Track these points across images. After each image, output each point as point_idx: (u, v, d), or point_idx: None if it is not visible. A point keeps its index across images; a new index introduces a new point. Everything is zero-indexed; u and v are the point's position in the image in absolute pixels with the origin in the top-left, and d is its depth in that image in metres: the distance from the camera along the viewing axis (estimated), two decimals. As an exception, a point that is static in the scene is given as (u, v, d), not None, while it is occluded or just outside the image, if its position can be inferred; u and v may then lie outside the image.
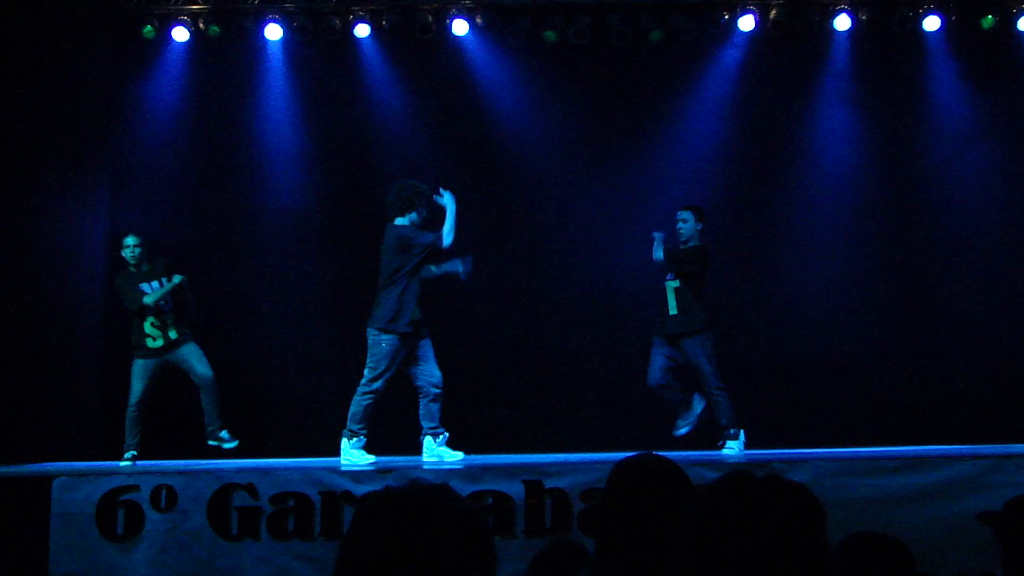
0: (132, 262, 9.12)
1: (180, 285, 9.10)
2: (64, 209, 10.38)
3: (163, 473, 7.40)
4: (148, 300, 8.93)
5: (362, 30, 11.00)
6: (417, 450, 8.50)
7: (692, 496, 2.84)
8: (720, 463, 7.79)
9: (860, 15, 10.92)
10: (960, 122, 11.21)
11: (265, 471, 7.43)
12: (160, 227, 10.85)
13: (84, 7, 10.63)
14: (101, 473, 7.45)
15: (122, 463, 8.75)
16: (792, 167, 11.33)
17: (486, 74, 11.34)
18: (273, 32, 10.97)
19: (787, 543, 2.09)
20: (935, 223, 11.20)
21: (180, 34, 10.92)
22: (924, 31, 10.96)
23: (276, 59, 11.32)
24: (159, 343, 9.05)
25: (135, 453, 8.90)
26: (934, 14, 10.83)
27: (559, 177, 11.31)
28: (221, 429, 9.16)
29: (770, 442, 9.21)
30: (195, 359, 9.12)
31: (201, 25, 10.98)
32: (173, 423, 10.27)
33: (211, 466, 7.82)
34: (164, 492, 7.21)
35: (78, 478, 7.33)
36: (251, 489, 7.17)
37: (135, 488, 7.22)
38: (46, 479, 7.27)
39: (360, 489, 7.08)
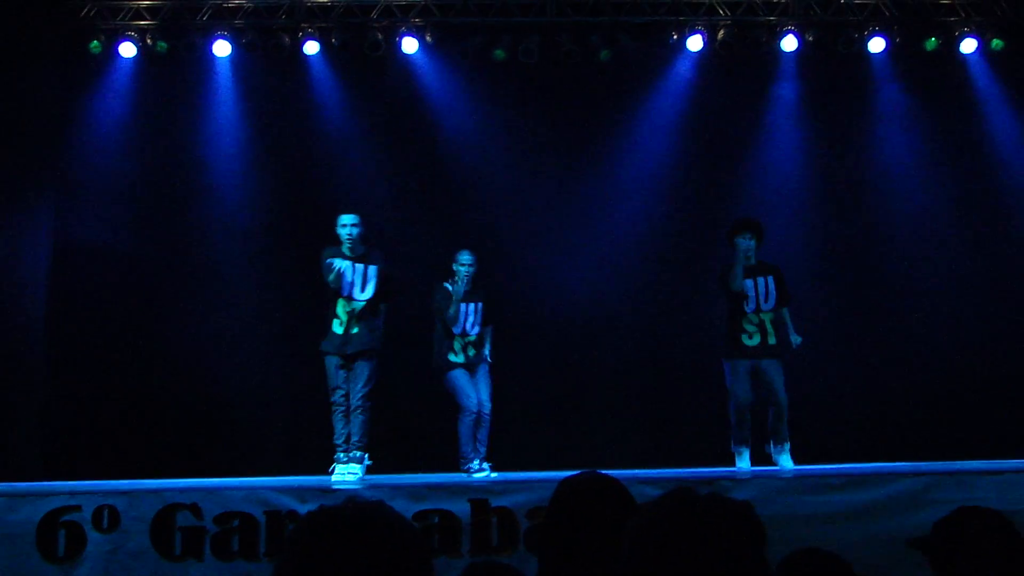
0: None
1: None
2: (5, 221, 10.26)
3: (105, 493, 7.27)
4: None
5: (311, 47, 10.97)
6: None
7: (635, 514, 2.84)
8: (664, 481, 7.78)
9: (806, 36, 11.06)
10: (905, 140, 11.35)
11: (209, 490, 7.32)
12: (106, 239, 10.76)
13: (31, 21, 10.53)
14: (41, 494, 7.32)
15: (492, 475, 8.73)
16: (741, 184, 11.41)
17: (436, 92, 11.34)
18: (221, 49, 10.91)
19: (725, 561, 2.10)
20: (880, 240, 11.33)
21: (127, 50, 10.84)
22: (869, 52, 11.12)
23: (224, 76, 11.25)
24: (462, 358, 9.11)
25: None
26: (879, 36, 10.99)
27: (509, 194, 11.31)
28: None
29: (717, 460, 9.24)
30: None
31: (149, 41, 10.91)
32: (116, 442, 10.14)
33: (154, 486, 7.71)
34: (106, 512, 7.06)
35: (18, 499, 7.19)
36: (195, 509, 7.05)
37: (76, 508, 7.07)
38: (-15, 500, 7.14)
39: (305, 508, 7.00)
